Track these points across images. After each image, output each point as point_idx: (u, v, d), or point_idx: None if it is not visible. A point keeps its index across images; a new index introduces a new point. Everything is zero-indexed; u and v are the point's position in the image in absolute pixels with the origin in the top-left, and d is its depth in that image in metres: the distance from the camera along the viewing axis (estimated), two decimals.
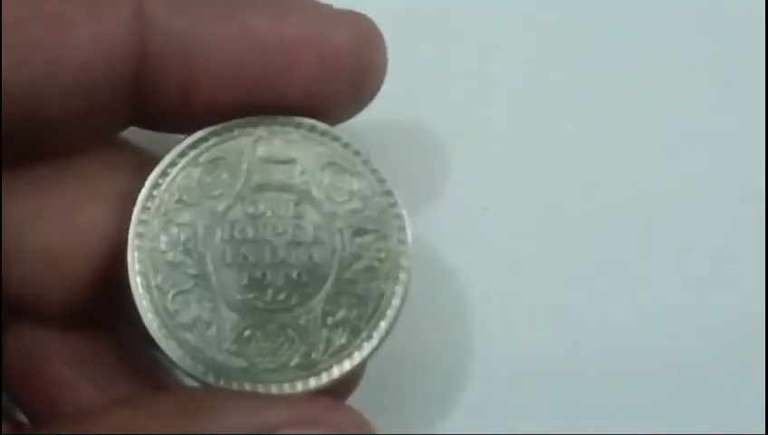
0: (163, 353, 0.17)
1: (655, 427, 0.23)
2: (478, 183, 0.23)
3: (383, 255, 0.18)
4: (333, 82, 0.17)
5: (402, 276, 0.18)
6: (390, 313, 0.17)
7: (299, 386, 0.17)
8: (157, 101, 0.17)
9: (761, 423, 0.23)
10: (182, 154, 0.18)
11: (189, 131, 0.18)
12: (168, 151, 0.18)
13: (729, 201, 0.24)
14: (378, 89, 0.18)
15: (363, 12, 0.18)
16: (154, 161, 0.18)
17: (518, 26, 0.24)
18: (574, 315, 0.23)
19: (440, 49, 0.24)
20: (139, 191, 0.17)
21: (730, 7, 0.25)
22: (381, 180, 0.18)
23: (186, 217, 0.17)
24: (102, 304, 0.18)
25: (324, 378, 0.17)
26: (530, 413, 0.23)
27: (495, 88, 0.24)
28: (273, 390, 0.17)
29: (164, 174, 0.17)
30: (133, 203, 0.17)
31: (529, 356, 0.23)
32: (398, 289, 0.18)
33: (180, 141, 0.18)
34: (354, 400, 0.18)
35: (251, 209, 0.17)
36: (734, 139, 0.24)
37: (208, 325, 0.17)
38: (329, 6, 0.18)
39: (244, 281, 0.17)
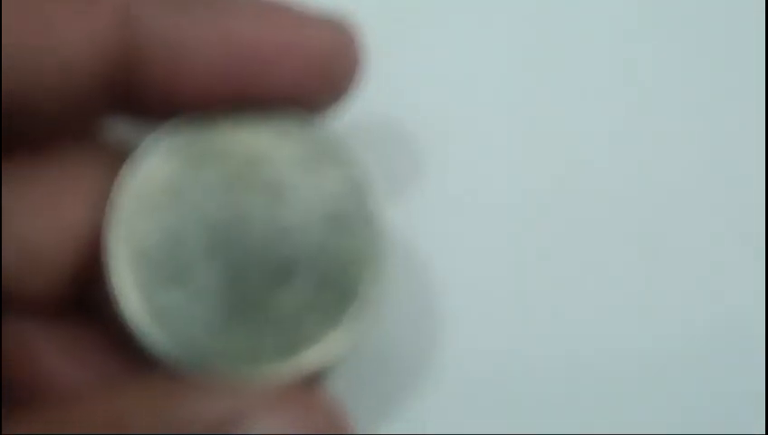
0: (144, 341, 0.18)
1: (654, 427, 0.23)
2: (459, 178, 0.23)
3: (362, 247, 0.18)
4: (311, 85, 0.18)
5: (381, 269, 0.18)
6: (368, 305, 0.18)
7: (276, 374, 0.18)
8: (140, 97, 0.18)
9: (761, 423, 0.23)
10: (160, 143, 0.18)
11: (167, 121, 0.18)
12: (142, 141, 0.18)
13: (728, 201, 0.24)
14: (353, 89, 0.19)
15: (345, 7, 0.18)
16: (131, 153, 0.18)
17: (503, 20, 0.24)
18: (568, 315, 0.23)
19: (421, 44, 0.24)
20: (119, 184, 0.18)
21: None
22: (361, 174, 0.18)
23: (165, 209, 0.18)
24: (85, 295, 0.19)
25: (301, 367, 0.18)
26: (516, 411, 0.23)
27: (479, 82, 0.24)
28: (251, 376, 0.17)
29: (142, 164, 0.18)
30: (113, 195, 0.18)
31: (510, 353, 0.23)
32: (377, 281, 0.18)
33: (155, 130, 0.18)
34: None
35: (231, 202, 0.18)
36: (733, 137, 0.24)
37: (189, 314, 0.18)
38: (310, 11, 0.18)
39: (225, 272, 0.18)
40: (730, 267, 0.24)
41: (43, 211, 0.18)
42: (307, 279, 0.18)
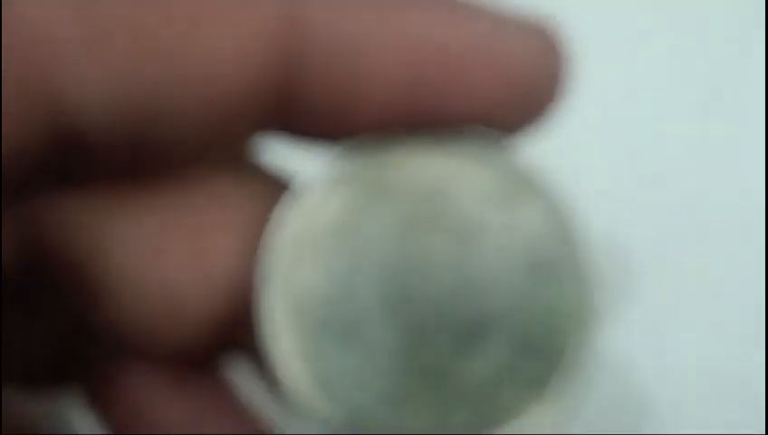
0: (306, 412, 0.14)
1: (654, 427, 0.23)
2: None
3: (569, 301, 0.15)
4: (509, 102, 0.15)
5: (591, 327, 0.15)
6: (577, 371, 0.15)
7: None
8: (303, 115, 0.15)
9: (761, 423, 0.23)
10: (325, 172, 0.15)
11: (336, 145, 0.15)
12: (305, 168, 0.15)
13: (727, 200, 0.25)
14: (553, 108, 0.15)
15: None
16: (292, 182, 0.15)
17: None
18: None
19: None
20: (276, 219, 0.15)
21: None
22: (565, 212, 0.15)
23: (332, 254, 0.15)
24: (224, 349, 0.16)
25: None
26: None
27: None
28: None
29: (304, 198, 0.15)
30: (268, 235, 0.15)
31: None
32: (587, 343, 0.15)
33: (321, 156, 0.15)
34: None
35: (410, 246, 0.15)
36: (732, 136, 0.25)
37: (361, 381, 0.14)
38: (510, 11, 0.15)
39: (404, 331, 0.14)
40: (729, 265, 0.24)
41: (184, 249, 0.15)
42: (503, 341, 0.15)
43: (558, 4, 0.20)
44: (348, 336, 0.14)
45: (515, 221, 0.15)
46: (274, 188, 0.15)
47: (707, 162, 0.26)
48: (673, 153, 0.26)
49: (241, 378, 0.17)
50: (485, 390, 0.15)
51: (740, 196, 0.25)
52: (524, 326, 0.15)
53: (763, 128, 0.25)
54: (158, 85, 0.14)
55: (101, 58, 0.13)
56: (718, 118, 0.26)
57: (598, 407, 0.23)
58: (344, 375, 0.14)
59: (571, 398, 0.15)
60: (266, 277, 0.15)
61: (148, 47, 0.13)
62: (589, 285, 0.15)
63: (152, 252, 0.15)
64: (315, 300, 0.14)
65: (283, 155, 0.16)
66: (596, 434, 0.23)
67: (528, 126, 0.15)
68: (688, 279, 0.24)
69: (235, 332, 0.15)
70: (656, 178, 0.26)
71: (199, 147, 0.15)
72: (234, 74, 0.14)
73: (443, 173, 0.15)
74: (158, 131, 0.14)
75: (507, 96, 0.15)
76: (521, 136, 0.15)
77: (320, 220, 0.15)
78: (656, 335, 0.24)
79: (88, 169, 0.15)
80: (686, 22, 0.26)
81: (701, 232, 0.25)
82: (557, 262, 0.15)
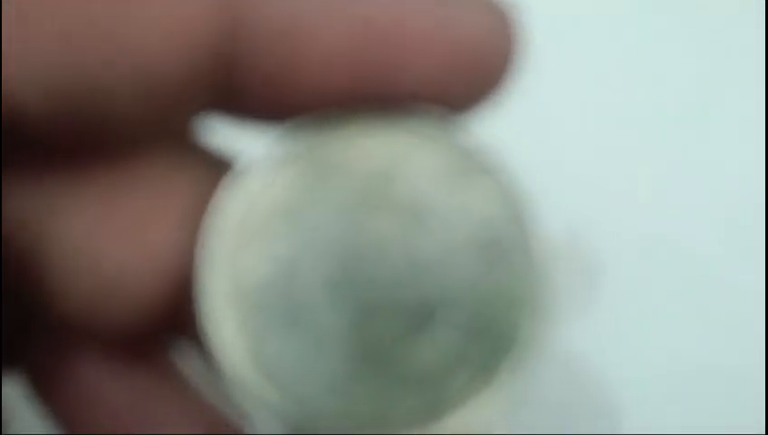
0: (247, 399, 0.14)
1: (654, 427, 0.23)
2: None
3: (520, 283, 0.14)
4: (458, 80, 0.14)
5: (543, 309, 0.14)
6: (529, 355, 0.14)
7: None
8: (245, 95, 0.14)
9: (761, 423, 0.23)
10: (269, 152, 0.14)
11: (279, 124, 0.15)
12: (248, 148, 0.15)
13: (726, 200, 0.25)
14: (503, 85, 0.15)
15: None
16: (234, 163, 0.15)
17: None
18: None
19: None
20: (218, 201, 0.14)
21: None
22: (518, 192, 0.15)
23: (276, 235, 0.14)
24: (169, 334, 0.15)
25: (444, 431, 0.14)
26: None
27: None
28: None
29: (247, 179, 0.14)
30: (211, 217, 0.14)
31: None
32: (539, 325, 0.14)
33: (265, 135, 0.15)
34: None
35: (357, 227, 0.14)
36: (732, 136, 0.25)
37: (306, 367, 0.14)
38: None
39: (351, 315, 0.14)
40: (728, 265, 0.24)
41: (124, 231, 0.14)
42: (452, 324, 0.14)
43: None
44: (291, 321, 0.14)
45: (466, 201, 0.14)
46: (217, 169, 0.15)
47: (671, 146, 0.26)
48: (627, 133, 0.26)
49: (191, 365, 0.17)
50: (433, 375, 0.14)
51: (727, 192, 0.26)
52: (474, 309, 0.14)
53: (764, 127, 0.25)
54: (93, 67, 0.13)
55: (33, 39, 0.13)
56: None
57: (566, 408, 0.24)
58: (287, 361, 0.14)
59: (522, 385, 0.14)
60: (208, 260, 0.14)
61: (81, 28, 0.13)
62: (541, 268, 0.14)
63: (93, 235, 0.14)
64: (257, 283, 0.14)
65: (226, 135, 0.16)
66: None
67: (479, 105, 0.15)
68: (680, 279, 0.25)
69: (179, 316, 0.15)
70: (610, 162, 0.26)
71: (139, 129, 0.14)
72: (169, 55, 0.13)
73: (391, 153, 0.14)
74: (96, 113, 0.14)
75: (457, 73, 0.14)
76: (472, 115, 0.15)
77: (263, 201, 0.14)
78: (654, 335, 0.24)
79: (29, 153, 0.14)
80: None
81: (695, 229, 0.25)
82: (508, 243, 0.14)
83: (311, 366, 0.14)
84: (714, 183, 0.26)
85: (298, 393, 0.14)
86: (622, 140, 0.26)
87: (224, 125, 0.15)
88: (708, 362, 0.24)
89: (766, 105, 0.25)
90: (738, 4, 0.26)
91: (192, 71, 0.14)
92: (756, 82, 0.25)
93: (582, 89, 0.26)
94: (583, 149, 0.25)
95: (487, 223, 0.14)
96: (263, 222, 0.14)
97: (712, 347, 0.24)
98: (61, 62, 0.13)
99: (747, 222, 0.25)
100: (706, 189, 0.26)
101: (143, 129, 0.14)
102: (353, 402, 0.14)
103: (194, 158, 0.15)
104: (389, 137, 0.15)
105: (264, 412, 0.14)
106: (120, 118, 0.14)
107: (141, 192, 0.15)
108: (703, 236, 0.25)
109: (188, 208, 0.14)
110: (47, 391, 0.17)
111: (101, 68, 0.13)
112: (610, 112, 0.26)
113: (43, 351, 0.16)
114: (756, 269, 0.25)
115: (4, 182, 0.15)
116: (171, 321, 0.15)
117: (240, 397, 0.14)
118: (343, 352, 0.14)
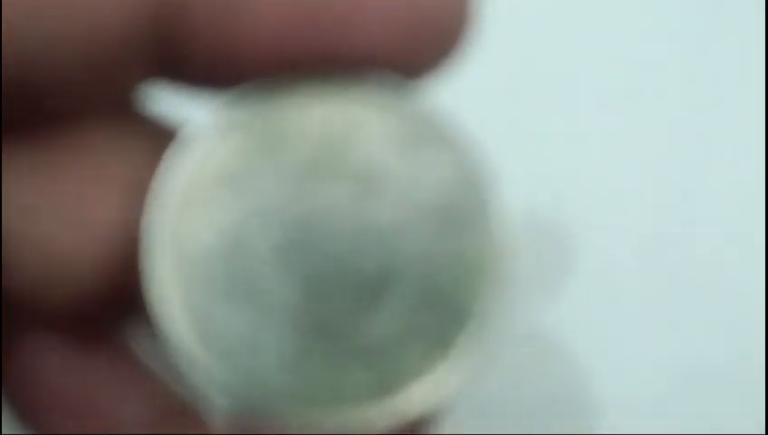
0: (193, 374, 0.14)
1: (654, 427, 0.23)
2: None
3: (478, 251, 0.14)
4: (411, 43, 0.14)
5: (502, 279, 0.14)
6: (487, 327, 0.14)
7: (366, 418, 0.13)
8: (188, 60, 0.14)
9: (761, 423, 0.23)
10: (214, 119, 0.14)
11: (224, 91, 0.14)
12: (193, 117, 0.14)
13: (725, 200, 0.25)
14: (462, 47, 0.14)
15: None
16: (178, 132, 0.14)
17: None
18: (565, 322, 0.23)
19: None
20: (162, 172, 0.14)
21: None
22: (473, 157, 0.14)
23: (222, 204, 0.14)
24: (113, 311, 0.15)
25: (398, 409, 0.13)
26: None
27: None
28: (334, 422, 0.13)
29: (192, 147, 0.14)
30: (155, 186, 0.14)
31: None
32: (497, 296, 0.14)
33: (210, 104, 0.14)
34: None
35: (307, 195, 0.14)
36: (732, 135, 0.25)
37: (253, 340, 0.13)
38: None
39: (300, 285, 0.14)
40: (729, 265, 0.24)
41: (65, 206, 0.14)
42: (406, 294, 0.14)
43: None
44: (237, 292, 0.14)
45: (420, 168, 0.14)
46: (162, 137, 0.14)
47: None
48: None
49: (145, 345, 0.16)
50: (387, 348, 0.14)
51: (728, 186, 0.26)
52: (429, 280, 0.14)
53: (764, 127, 0.25)
54: (33, 30, 0.13)
55: None
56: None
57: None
58: (233, 334, 0.13)
59: (481, 359, 0.14)
60: (152, 231, 0.14)
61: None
62: (501, 239, 0.14)
63: (33, 212, 0.14)
64: (201, 253, 0.14)
65: (171, 103, 0.15)
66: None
67: (433, 70, 0.14)
68: (681, 276, 0.25)
69: (126, 291, 0.14)
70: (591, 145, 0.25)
71: (80, 97, 0.14)
72: (109, 21, 0.13)
73: (343, 118, 0.14)
74: (35, 80, 0.13)
75: (411, 38, 0.14)
76: (426, 80, 0.14)
77: (207, 170, 0.14)
78: (652, 335, 0.24)
79: None
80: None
81: (694, 226, 0.25)
82: (464, 212, 0.14)
83: (258, 339, 0.13)
84: (714, 183, 0.26)
85: (245, 369, 0.13)
86: (608, 127, 0.26)
87: (169, 94, 0.15)
88: (708, 362, 0.24)
89: (766, 105, 0.25)
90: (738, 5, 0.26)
91: (133, 34, 0.13)
92: (756, 82, 0.25)
93: (569, 61, 0.26)
94: (570, 135, 0.25)
95: (442, 191, 0.14)
96: (207, 191, 0.14)
97: (712, 347, 0.24)
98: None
99: (747, 222, 0.25)
100: (706, 189, 0.26)
101: (84, 97, 0.14)
102: (303, 377, 0.14)
103: (138, 127, 0.15)
104: (341, 104, 0.14)
105: (214, 390, 0.14)
106: (60, 84, 0.13)
107: (83, 165, 0.14)
108: (703, 236, 0.25)
109: (133, 179, 0.14)
110: None
111: (41, 31, 0.13)
112: (595, 94, 0.26)
113: None
114: (756, 269, 0.24)
115: None
116: (121, 298, 0.15)
117: (188, 374, 0.14)
118: (292, 324, 0.14)
